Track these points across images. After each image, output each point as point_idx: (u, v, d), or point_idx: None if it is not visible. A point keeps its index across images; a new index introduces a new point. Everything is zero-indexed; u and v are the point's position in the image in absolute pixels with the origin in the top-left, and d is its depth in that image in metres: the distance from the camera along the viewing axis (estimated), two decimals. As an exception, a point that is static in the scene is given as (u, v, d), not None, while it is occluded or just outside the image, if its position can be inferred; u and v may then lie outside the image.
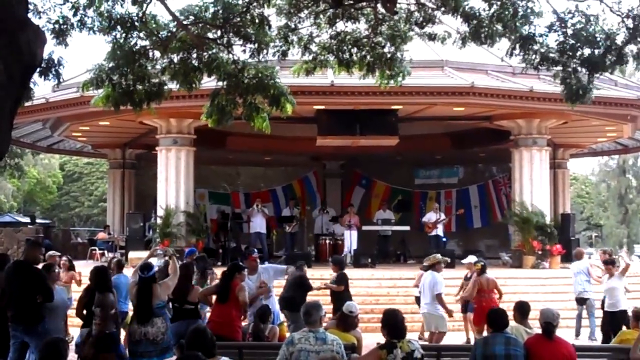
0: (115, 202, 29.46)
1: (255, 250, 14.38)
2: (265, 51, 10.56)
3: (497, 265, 23.17)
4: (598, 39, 9.67)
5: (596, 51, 9.81)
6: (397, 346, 7.36)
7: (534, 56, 10.23)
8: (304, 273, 14.13)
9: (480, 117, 23.35)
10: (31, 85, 9.26)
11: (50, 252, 15.50)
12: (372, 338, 10.02)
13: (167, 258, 11.78)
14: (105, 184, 44.81)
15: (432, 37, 11.18)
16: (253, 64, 10.72)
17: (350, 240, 22.85)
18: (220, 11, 10.11)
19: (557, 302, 15.82)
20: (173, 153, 22.07)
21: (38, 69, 8.74)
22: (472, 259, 15.36)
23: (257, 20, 10.22)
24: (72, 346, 10.94)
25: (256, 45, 10.33)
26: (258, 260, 13.16)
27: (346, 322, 9.28)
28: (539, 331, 8.41)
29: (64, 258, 15.90)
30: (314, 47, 11.40)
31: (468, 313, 15.17)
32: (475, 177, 30.33)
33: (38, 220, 36.87)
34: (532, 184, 22.29)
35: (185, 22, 10.21)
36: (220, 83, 10.84)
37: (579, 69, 10.20)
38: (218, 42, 10.58)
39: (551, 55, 10.15)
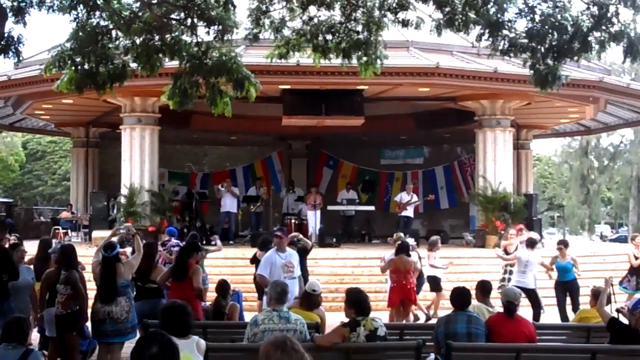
0: (78, 181, 29.25)
1: (284, 229, 14.27)
2: (229, 35, 10.48)
3: (461, 245, 23.38)
4: (565, 25, 9.74)
5: (564, 37, 9.88)
6: (360, 324, 7.44)
7: (502, 42, 10.29)
8: None
9: (445, 97, 23.48)
10: (-10, 63, 9.13)
11: None
12: (337, 317, 10.10)
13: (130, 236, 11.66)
14: (68, 162, 44.38)
15: (405, 24, 11.16)
16: (217, 46, 10.64)
17: (315, 220, 22.89)
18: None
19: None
20: (137, 132, 21.89)
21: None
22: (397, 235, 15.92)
23: (221, 2, 10.13)
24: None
25: (220, 27, 10.25)
26: (285, 238, 12.60)
27: (310, 300, 9.32)
28: (501, 310, 8.53)
29: (12, 236, 15.62)
30: (287, 32, 11.36)
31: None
32: (440, 158, 30.49)
33: (0, 199, 36.46)
34: (496, 165, 22.47)
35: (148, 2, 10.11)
36: (183, 65, 10.74)
37: (547, 55, 10.28)
38: (181, 23, 10.49)
39: (520, 41, 10.22)
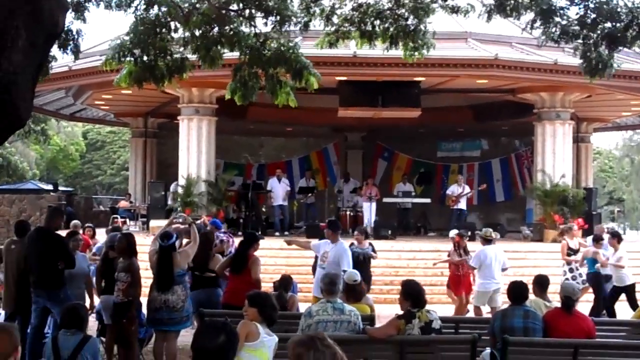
0: (137, 170, 29.62)
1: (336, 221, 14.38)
2: (287, 25, 10.43)
3: (518, 239, 23.10)
4: (620, 13, 9.53)
5: (617, 25, 9.67)
6: (415, 316, 7.39)
7: (554, 29, 10.11)
8: None
9: (503, 89, 23.18)
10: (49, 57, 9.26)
11: (74, 222, 15.59)
12: (391, 309, 10.05)
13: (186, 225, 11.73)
14: (127, 152, 45.01)
15: (455, 10, 11.02)
16: (275, 37, 10.61)
17: (371, 212, 22.82)
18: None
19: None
20: (195, 122, 22.09)
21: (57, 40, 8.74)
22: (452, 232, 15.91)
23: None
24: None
25: (278, 17, 10.20)
26: (332, 233, 12.21)
27: (354, 292, 9.08)
28: (559, 305, 8.39)
29: (87, 225, 15.93)
30: (335, 19, 11.29)
31: None
32: (497, 150, 30.16)
33: (61, 188, 37.19)
34: (555, 158, 22.13)
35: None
36: (242, 57, 10.70)
37: (600, 43, 10.07)
38: (239, 14, 10.47)
39: (571, 28, 10.03)
